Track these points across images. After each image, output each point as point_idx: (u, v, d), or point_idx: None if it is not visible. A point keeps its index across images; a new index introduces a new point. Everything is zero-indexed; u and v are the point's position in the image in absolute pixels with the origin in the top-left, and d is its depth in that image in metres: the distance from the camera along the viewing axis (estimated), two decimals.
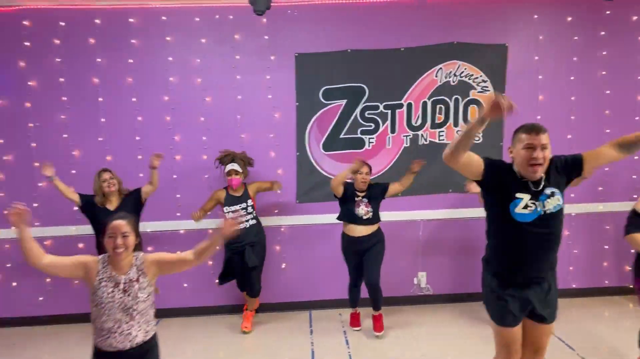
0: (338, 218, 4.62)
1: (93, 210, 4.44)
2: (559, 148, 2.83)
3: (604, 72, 5.22)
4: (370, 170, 4.53)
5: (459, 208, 5.27)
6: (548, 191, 2.59)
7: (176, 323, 5.03)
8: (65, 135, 4.97)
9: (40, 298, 5.11)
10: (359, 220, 4.47)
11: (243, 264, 4.63)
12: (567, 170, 2.68)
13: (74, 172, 4.98)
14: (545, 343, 2.81)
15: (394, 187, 4.55)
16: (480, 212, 5.11)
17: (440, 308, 5.22)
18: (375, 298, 4.54)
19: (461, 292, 5.36)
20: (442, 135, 5.17)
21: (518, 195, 2.56)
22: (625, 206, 3.80)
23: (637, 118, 5.26)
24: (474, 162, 2.59)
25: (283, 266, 5.25)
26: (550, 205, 2.58)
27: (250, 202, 4.70)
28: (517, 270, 2.66)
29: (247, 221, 4.66)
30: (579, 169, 2.66)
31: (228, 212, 4.58)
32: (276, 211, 5.20)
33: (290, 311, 5.25)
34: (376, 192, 4.52)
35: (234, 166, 4.59)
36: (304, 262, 5.29)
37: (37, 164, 4.95)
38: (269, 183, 4.83)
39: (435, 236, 5.31)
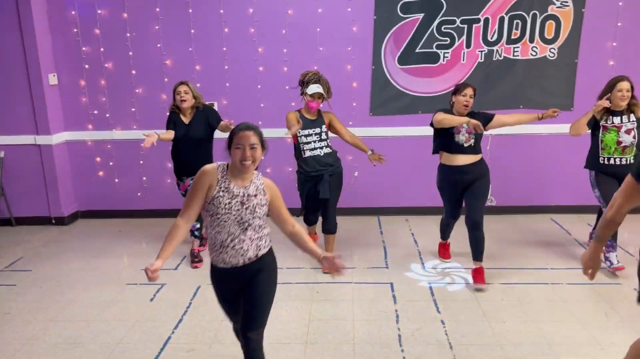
0: (434, 152, 4.21)
1: (174, 121, 4.38)
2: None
3: None
4: (475, 92, 4.00)
5: (527, 124, 5.40)
6: None
7: None
8: (158, 45, 5.35)
9: (139, 194, 5.75)
10: (459, 148, 3.98)
11: (317, 194, 4.33)
12: None
13: (166, 79, 5.40)
14: None
15: (500, 119, 4.05)
16: (547, 129, 5.31)
17: (503, 219, 5.52)
18: (476, 242, 4.03)
19: (522, 205, 5.63)
20: (517, 51, 5.23)
21: None
22: None
23: None
24: None
25: (355, 174, 5.63)
26: None
27: (324, 128, 4.33)
28: None
29: (322, 148, 4.31)
30: None
31: (301, 136, 4.26)
32: (350, 123, 5.48)
33: (360, 216, 5.69)
34: (479, 120, 3.83)
35: (320, 88, 4.20)
36: (374, 171, 5.62)
37: (134, 72, 5.41)
38: (342, 127, 4.47)
39: (502, 151, 5.50)
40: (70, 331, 3.52)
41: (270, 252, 2.59)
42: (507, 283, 4.06)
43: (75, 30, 5.35)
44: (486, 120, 4.01)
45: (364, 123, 5.51)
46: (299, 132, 4.24)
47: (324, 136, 4.34)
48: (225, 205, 2.39)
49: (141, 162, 5.65)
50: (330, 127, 4.44)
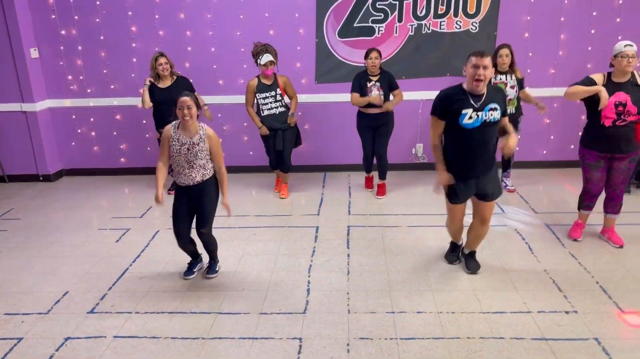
0: None
1: (152, 90, 5.38)
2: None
3: None
4: (380, 54, 5.20)
5: None
6: (493, 106, 3.43)
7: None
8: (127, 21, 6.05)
9: (115, 154, 6.53)
10: (372, 105, 5.21)
11: (275, 146, 5.46)
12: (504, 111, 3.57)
13: (134, 45, 6.09)
14: (488, 215, 3.79)
15: (393, 92, 5.30)
16: None
17: (433, 174, 6.26)
18: (381, 167, 5.57)
19: None
20: (443, 25, 5.87)
21: (464, 111, 3.42)
22: None
23: None
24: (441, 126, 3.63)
25: (304, 136, 6.36)
26: (491, 116, 3.43)
27: (279, 91, 5.31)
28: (464, 163, 3.59)
29: (277, 108, 5.33)
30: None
31: (260, 98, 5.29)
32: (298, 90, 6.18)
33: (309, 172, 6.46)
34: (386, 79, 5.22)
35: (270, 57, 5.13)
36: (321, 133, 6.38)
37: (104, 48, 6.12)
38: (293, 94, 5.43)
39: None
40: (48, 265, 4.37)
41: (213, 177, 3.81)
42: (412, 225, 4.86)
43: (52, 8, 6.01)
44: (390, 82, 5.27)
45: (310, 90, 6.21)
46: (258, 95, 5.29)
47: (278, 97, 5.33)
48: (177, 150, 3.67)
49: (115, 126, 6.40)
50: (285, 86, 5.36)
